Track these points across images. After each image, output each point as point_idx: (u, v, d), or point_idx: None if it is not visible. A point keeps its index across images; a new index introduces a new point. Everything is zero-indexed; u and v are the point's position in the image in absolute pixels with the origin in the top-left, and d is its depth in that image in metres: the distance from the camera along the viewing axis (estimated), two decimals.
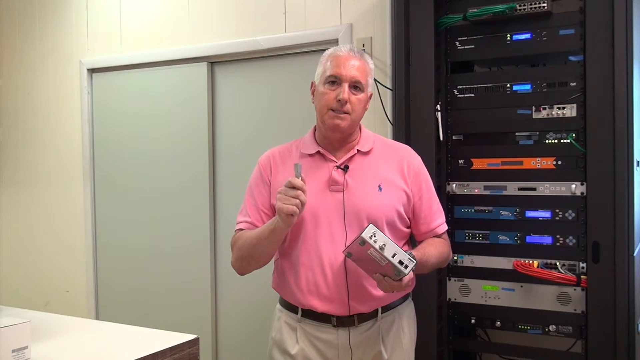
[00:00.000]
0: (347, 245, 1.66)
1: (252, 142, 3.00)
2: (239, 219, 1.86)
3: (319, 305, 1.75)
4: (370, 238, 1.54)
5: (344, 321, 1.75)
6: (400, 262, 1.53)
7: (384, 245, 1.54)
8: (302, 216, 1.70)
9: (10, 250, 3.80)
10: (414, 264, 1.54)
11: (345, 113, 1.72)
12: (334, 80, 1.73)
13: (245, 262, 1.80)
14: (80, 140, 3.48)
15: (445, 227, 1.87)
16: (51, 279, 3.63)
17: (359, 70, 1.73)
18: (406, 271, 1.53)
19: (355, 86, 1.73)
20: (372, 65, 1.80)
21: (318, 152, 1.80)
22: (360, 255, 1.59)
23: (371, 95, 1.82)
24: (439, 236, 1.85)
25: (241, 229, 1.83)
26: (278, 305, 1.89)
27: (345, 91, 1.71)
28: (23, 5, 3.67)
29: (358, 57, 1.75)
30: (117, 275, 3.42)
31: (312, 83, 1.83)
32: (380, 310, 1.77)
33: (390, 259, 1.53)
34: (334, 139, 1.79)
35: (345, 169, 1.76)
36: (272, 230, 1.67)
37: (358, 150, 1.79)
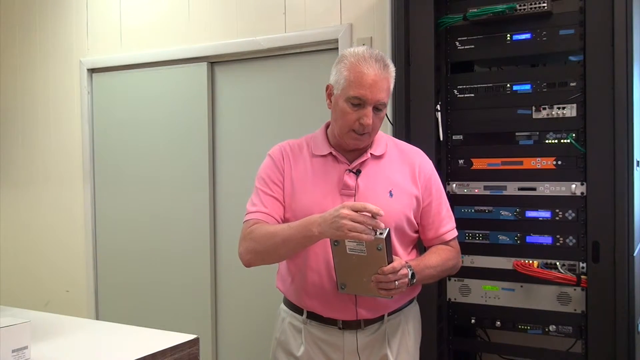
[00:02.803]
0: (335, 278, 1.66)
1: (252, 141, 3.00)
2: (251, 209, 1.74)
3: (325, 311, 1.74)
4: None
5: (350, 324, 1.74)
6: (374, 231, 1.52)
7: None
8: None
9: (11, 250, 3.80)
10: (387, 230, 1.52)
11: (367, 133, 1.68)
12: (358, 103, 1.64)
13: (260, 256, 1.70)
14: (80, 140, 3.48)
15: (454, 234, 1.83)
16: (51, 279, 3.64)
17: (386, 91, 1.65)
18: (382, 236, 1.51)
19: (379, 108, 1.67)
20: (394, 71, 1.69)
21: (330, 153, 1.76)
22: (346, 263, 1.59)
23: None
24: (447, 243, 1.81)
25: (257, 219, 1.71)
26: (282, 306, 1.88)
27: (369, 116, 1.64)
28: (23, 6, 3.67)
29: (384, 75, 1.64)
30: (117, 275, 3.42)
31: (328, 86, 1.74)
32: (386, 313, 1.77)
33: None
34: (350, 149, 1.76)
35: (358, 172, 1.73)
36: (308, 237, 1.58)
37: (371, 154, 1.75)
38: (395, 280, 1.57)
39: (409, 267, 1.63)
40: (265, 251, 1.68)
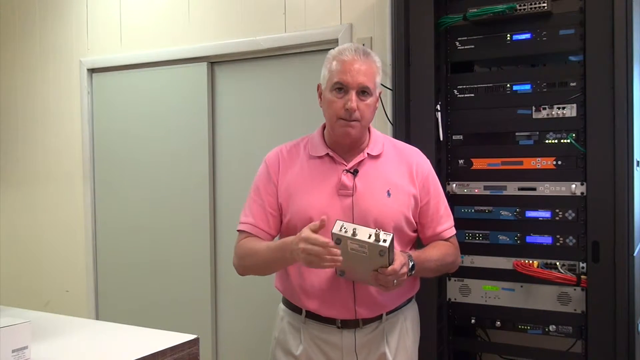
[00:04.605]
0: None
1: (252, 142, 3.00)
2: (242, 219, 1.81)
3: (324, 310, 1.74)
4: (341, 231, 1.55)
5: (349, 323, 1.74)
6: (377, 240, 1.52)
7: (355, 230, 1.54)
8: (310, 220, 1.66)
9: (11, 250, 3.80)
10: (390, 236, 1.53)
11: (355, 120, 1.69)
12: (341, 88, 1.68)
13: (249, 271, 1.82)
14: (80, 140, 3.48)
15: (452, 232, 1.84)
16: (51, 279, 3.64)
17: (366, 74, 1.68)
18: (386, 245, 1.51)
19: (363, 91, 1.69)
20: (379, 64, 1.74)
21: (327, 154, 1.77)
22: (347, 258, 1.58)
23: (380, 93, 1.78)
24: (445, 240, 1.82)
25: (246, 232, 1.79)
26: (281, 306, 1.88)
27: (353, 99, 1.66)
28: (23, 5, 3.67)
29: (364, 60, 1.69)
30: (117, 275, 3.42)
31: (319, 86, 1.78)
32: (385, 312, 1.77)
33: (367, 240, 1.53)
34: (344, 143, 1.77)
35: (355, 173, 1.73)
36: (283, 260, 1.66)
37: (368, 154, 1.76)
38: (394, 280, 1.57)
39: (409, 256, 1.63)
40: (252, 268, 1.80)
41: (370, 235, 1.53)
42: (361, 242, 1.53)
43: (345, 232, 1.55)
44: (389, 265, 1.55)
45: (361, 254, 1.56)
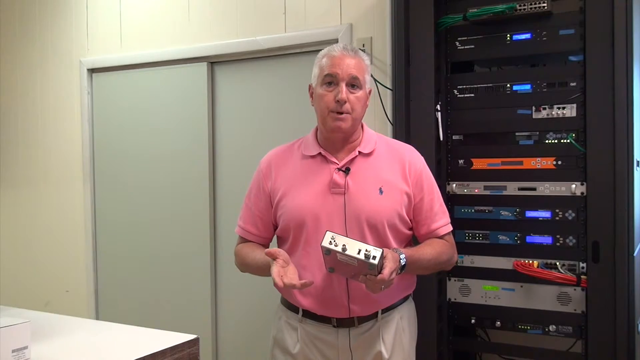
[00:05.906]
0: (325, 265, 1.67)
1: (252, 142, 3.00)
2: (238, 222, 1.91)
3: (319, 309, 1.75)
4: (331, 244, 1.55)
5: (344, 322, 1.75)
6: (367, 256, 1.52)
7: (345, 245, 1.54)
8: (303, 219, 1.72)
9: (10, 250, 3.80)
10: (380, 252, 1.53)
11: (346, 113, 1.71)
12: (331, 81, 1.71)
13: (246, 272, 1.90)
14: (80, 140, 3.48)
15: (447, 229, 1.83)
16: (51, 279, 3.64)
17: (355, 67, 1.72)
18: (375, 262, 1.51)
19: (353, 84, 1.71)
20: (367, 61, 1.78)
21: (319, 153, 1.78)
22: (336, 264, 1.60)
23: (370, 91, 1.80)
24: (440, 238, 1.82)
25: (241, 238, 1.91)
26: (280, 305, 1.89)
27: (343, 91, 1.69)
28: (23, 6, 3.67)
29: (352, 55, 1.73)
30: (117, 276, 3.42)
31: (310, 86, 1.82)
32: (380, 310, 1.77)
33: (357, 255, 1.53)
34: (336, 140, 1.77)
35: (347, 171, 1.74)
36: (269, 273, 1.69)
37: (360, 152, 1.77)
38: (381, 286, 1.56)
39: (401, 254, 1.63)
40: (248, 271, 1.88)
41: (359, 251, 1.53)
42: (350, 257, 1.54)
43: (335, 246, 1.55)
44: (378, 274, 1.55)
45: (350, 263, 1.56)
